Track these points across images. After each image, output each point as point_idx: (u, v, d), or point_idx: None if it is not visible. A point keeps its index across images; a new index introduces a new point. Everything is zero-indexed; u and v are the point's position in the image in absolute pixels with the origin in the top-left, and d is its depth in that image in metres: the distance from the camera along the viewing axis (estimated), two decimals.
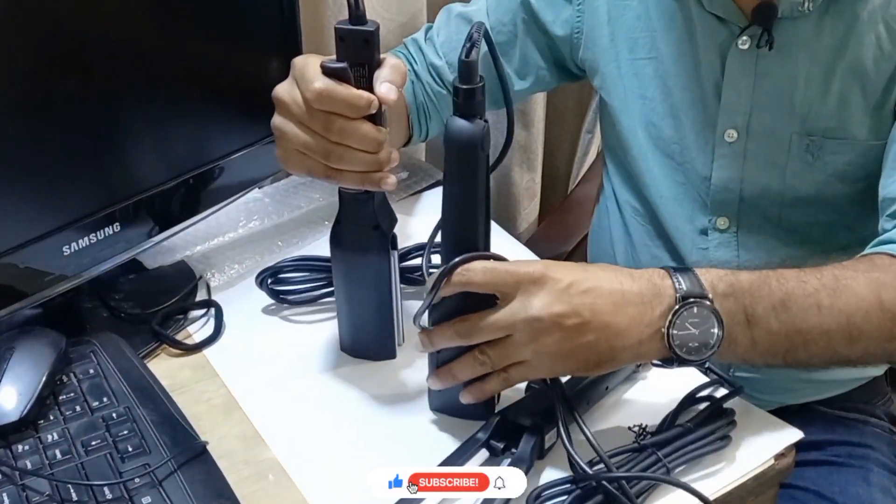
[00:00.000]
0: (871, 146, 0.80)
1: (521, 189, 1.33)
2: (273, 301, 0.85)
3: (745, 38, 0.80)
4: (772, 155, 0.84)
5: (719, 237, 0.89)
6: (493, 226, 1.00)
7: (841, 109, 0.80)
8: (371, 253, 0.72)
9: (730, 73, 0.83)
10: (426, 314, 0.66)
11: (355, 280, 0.74)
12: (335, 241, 0.73)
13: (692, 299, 0.64)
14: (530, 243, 1.16)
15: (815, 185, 0.83)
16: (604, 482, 0.61)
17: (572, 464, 0.63)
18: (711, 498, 0.64)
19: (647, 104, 0.89)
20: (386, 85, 0.64)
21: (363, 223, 0.71)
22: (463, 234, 0.65)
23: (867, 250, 0.73)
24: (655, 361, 0.67)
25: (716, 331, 0.64)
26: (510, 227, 1.35)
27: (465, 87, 0.62)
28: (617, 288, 0.64)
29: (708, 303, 0.64)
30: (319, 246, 0.95)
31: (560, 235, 1.29)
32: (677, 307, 0.63)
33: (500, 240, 0.97)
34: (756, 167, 0.85)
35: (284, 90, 0.67)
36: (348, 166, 0.66)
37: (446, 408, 0.72)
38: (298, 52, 0.89)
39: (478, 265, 0.64)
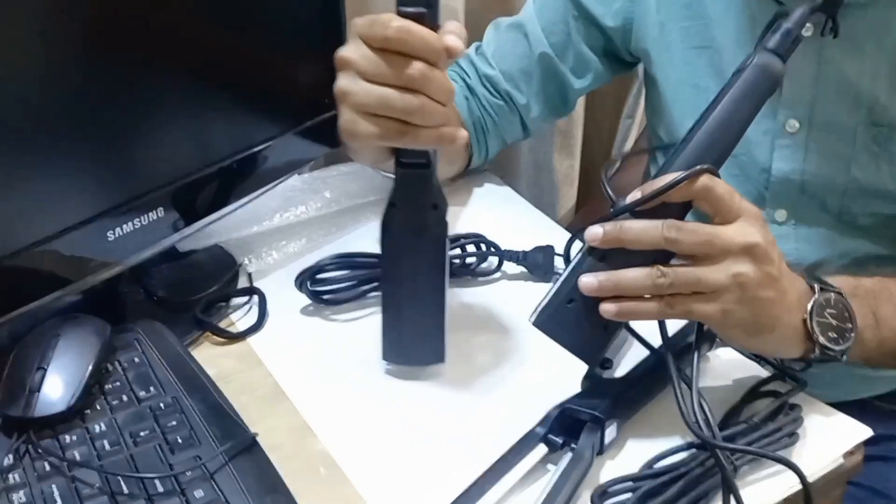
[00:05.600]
0: None
1: (560, 175, 1.31)
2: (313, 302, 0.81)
3: (808, 24, 0.78)
4: (836, 146, 0.81)
5: (777, 230, 0.86)
6: (535, 210, 0.99)
7: None
8: (428, 236, 0.67)
9: (792, 62, 0.79)
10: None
11: (409, 268, 0.69)
12: (389, 225, 0.68)
13: (828, 289, 0.65)
14: (569, 231, 1.14)
15: (880, 176, 0.81)
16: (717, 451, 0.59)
17: (689, 424, 0.60)
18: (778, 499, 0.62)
19: (700, 94, 0.86)
20: (452, 36, 0.60)
21: (422, 202, 0.67)
22: (722, 143, 0.64)
23: None
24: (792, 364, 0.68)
25: (850, 325, 0.65)
26: (548, 213, 1.32)
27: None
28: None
29: (841, 295, 0.65)
30: (360, 236, 0.92)
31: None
32: (817, 295, 0.65)
33: (543, 224, 0.97)
34: (819, 158, 0.82)
35: (349, 49, 0.61)
36: (429, 121, 0.61)
37: (556, 331, 0.64)
38: (340, 37, 0.88)
39: (720, 180, 0.62)
